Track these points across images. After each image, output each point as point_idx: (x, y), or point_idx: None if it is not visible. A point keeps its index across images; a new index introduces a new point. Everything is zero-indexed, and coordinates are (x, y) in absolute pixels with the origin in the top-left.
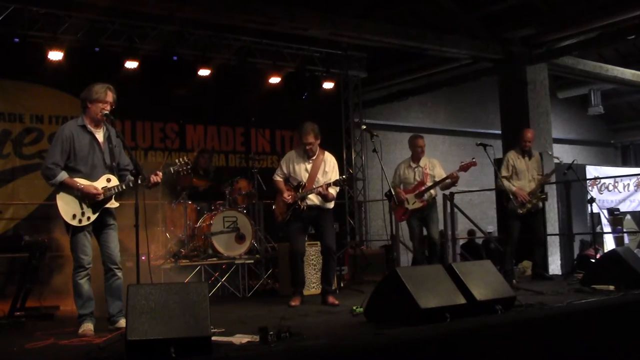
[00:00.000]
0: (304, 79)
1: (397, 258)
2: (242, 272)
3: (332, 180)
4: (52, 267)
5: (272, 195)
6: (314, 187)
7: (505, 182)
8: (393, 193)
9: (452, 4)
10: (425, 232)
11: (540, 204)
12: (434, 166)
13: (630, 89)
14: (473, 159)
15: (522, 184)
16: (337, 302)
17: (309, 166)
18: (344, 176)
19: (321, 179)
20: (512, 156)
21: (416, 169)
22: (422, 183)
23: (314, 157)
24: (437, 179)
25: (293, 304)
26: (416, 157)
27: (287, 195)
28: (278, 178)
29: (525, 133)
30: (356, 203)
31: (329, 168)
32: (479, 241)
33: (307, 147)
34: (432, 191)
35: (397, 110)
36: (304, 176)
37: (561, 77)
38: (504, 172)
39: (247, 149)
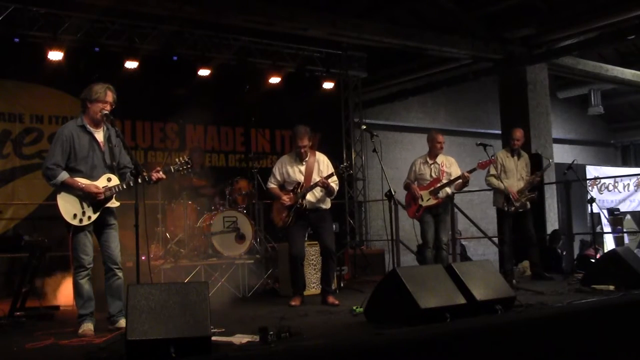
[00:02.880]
0: (304, 79)
1: (397, 258)
2: (242, 272)
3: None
4: (52, 267)
5: (271, 195)
6: (324, 177)
7: (494, 180)
8: (394, 192)
9: (452, 4)
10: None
11: (529, 205)
12: (451, 164)
13: (630, 89)
14: (493, 156)
15: (511, 183)
16: (337, 302)
17: (302, 168)
18: (345, 164)
19: (317, 179)
20: (502, 155)
21: (432, 166)
22: (437, 180)
23: (306, 159)
24: (452, 178)
25: (293, 303)
26: (434, 153)
27: (287, 198)
28: (272, 185)
29: (514, 132)
30: (356, 203)
31: (324, 167)
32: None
33: (302, 150)
34: (447, 190)
35: (397, 110)
36: (300, 178)
37: (561, 77)
38: (492, 171)
39: (247, 149)
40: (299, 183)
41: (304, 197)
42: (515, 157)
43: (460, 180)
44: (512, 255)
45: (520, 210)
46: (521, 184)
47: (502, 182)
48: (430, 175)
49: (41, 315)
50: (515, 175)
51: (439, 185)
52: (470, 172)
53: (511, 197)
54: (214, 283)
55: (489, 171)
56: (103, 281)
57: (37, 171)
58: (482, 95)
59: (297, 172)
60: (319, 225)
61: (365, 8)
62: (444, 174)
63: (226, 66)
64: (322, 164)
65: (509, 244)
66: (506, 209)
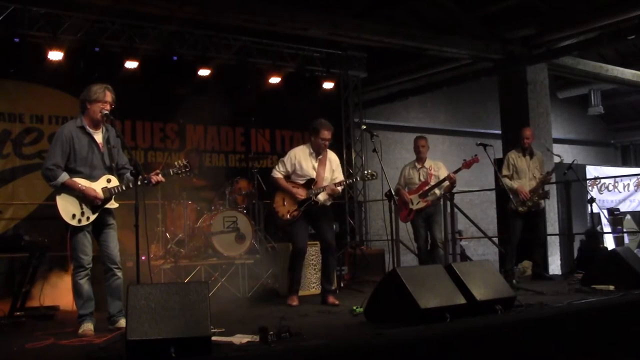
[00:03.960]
0: (304, 79)
1: (397, 258)
2: (242, 272)
3: (338, 178)
4: (52, 267)
5: (276, 185)
6: (334, 183)
7: (506, 181)
8: (393, 193)
9: (452, 4)
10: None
11: (542, 203)
12: (439, 168)
13: (630, 89)
14: (475, 155)
15: (523, 183)
16: (337, 302)
17: (316, 164)
18: (369, 171)
19: (329, 177)
20: (513, 155)
21: (421, 170)
22: (425, 183)
23: (320, 156)
24: (441, 179)
25: (293, 303)
26: (420, 157)
27: (301, 192)
28: (279, 175)
29: (524, 131)
30: (356, 203)
31: (335, 166)
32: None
33: (325, 143)
34: (436, 192)
35: (397, 110)
36: (312, 173)
37: (561, 77)
38: (504, 172)
39: (247, 149)
40: (312, 179)
41: (316, 195)
42: (527, 157)
43: (446, 182)
44: (514, 255)
45: (533, 209)
46: (533, 183)
47: (513, 182)
48: (419, 179)
49: (41, 315)
50: (527, 174)
51: (427, 188)
52: (456, 172)
53: (522, 196)
54: (214, 283)
55: (501, 172)
56: (103, 281)
57: (37, 171)
58: (482, 95)
59: (310, 167)
60: (321, 220)
61: (365, 8)
62: (432, 177)
63: (226, 66)
64: (334, 163)
65: (515, 244)
66: (520, 209)
